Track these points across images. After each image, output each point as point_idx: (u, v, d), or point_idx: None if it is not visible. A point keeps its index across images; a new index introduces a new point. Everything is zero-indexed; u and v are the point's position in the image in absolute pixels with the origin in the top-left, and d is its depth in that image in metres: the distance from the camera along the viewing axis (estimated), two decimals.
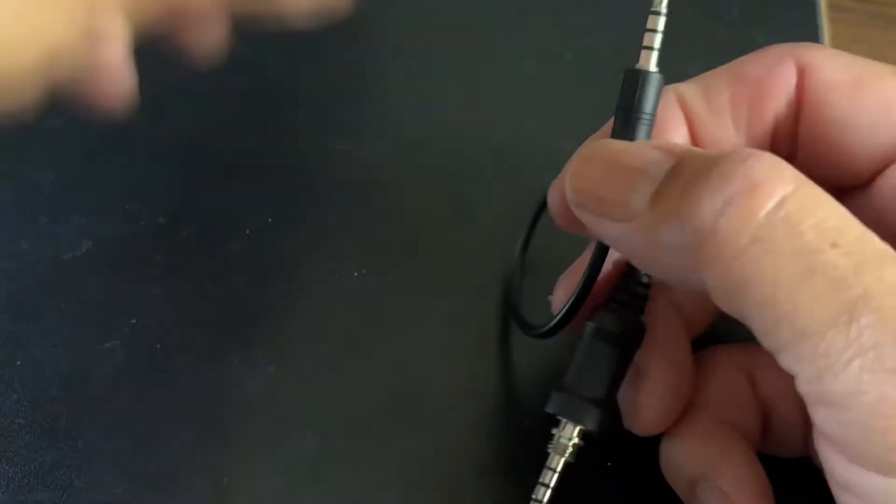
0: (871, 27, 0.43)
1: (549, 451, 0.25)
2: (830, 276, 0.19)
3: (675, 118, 0.26)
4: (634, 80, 0.24)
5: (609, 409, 0.25)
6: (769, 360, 0.22)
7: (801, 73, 0.25)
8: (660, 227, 0.21)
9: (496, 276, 0.32)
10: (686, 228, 0.21)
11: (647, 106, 0.24)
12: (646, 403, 0.26)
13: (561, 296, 0.28)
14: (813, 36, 0.39)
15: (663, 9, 0.24)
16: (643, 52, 0.24)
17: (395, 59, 0.37)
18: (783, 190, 0.20)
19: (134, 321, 0.30)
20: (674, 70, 0.39)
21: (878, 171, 0.25)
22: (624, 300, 0.26)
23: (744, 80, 0.26)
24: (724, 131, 0.26)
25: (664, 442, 0.27)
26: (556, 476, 0.25)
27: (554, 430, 0.26)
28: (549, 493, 0.25)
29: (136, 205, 0.32)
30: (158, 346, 0.30)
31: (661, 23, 0.24)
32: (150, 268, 0.31)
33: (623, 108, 0.24)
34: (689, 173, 0.21)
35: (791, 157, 0.26)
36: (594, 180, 0.23)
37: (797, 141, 0.26)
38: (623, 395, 0.26)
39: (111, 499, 0.27)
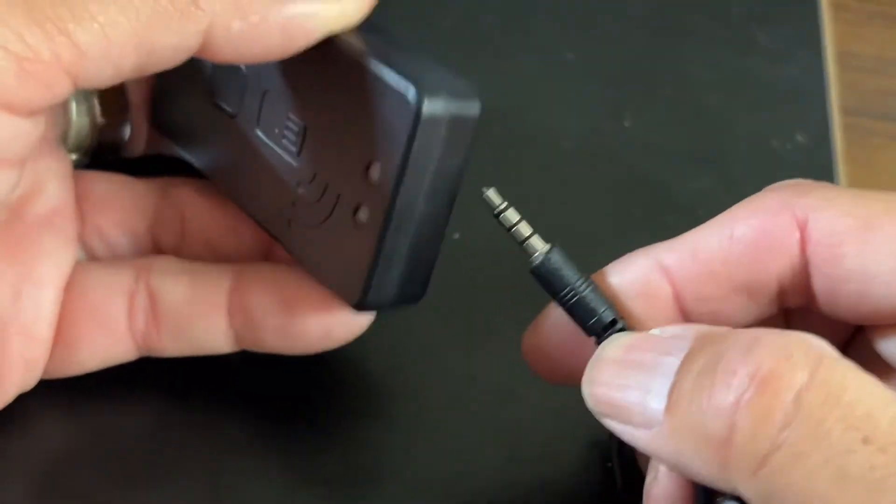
0: (872, 26, 0.43)
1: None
2: (867, 480, 0.18)
3: (657, 286, 0.24)
4: (544, 273, 0.23)
5: None
6: None
7: (803, 229, 0.23)
8: (677, 436, 0.20)
9: (495, 277, 0.32)
10: (701, 438, 0.19)
11: (570, 279, 0.23)
12: None
13: None
14: (814, 35, 0.39)
15: (503, 205, 0.24)
16: (526, 246, 0.24)
17: None
18: (798, 380, 0.18)
19: None
20: (673, 68, 0.39)
21: None
22: None
23: (738, 242, 0.24)
24: (722, 297, 0.24)
25: None
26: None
27: None
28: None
29: None
30: None
31: (513, 214, 0.24)
32: None
33: (559, 298, 0.23)
34: (697, 369, 0.20)
35: (809, 306, 0.24)
36: (610, 385, 0.21)
37: (812, 293, 0.24)
38: None
39: (109, 499, 0.27)
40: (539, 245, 0.24)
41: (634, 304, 0.24)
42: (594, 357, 0.22)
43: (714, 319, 0.24)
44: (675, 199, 0.35)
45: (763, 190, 0.25)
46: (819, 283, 0.23)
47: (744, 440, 0.19)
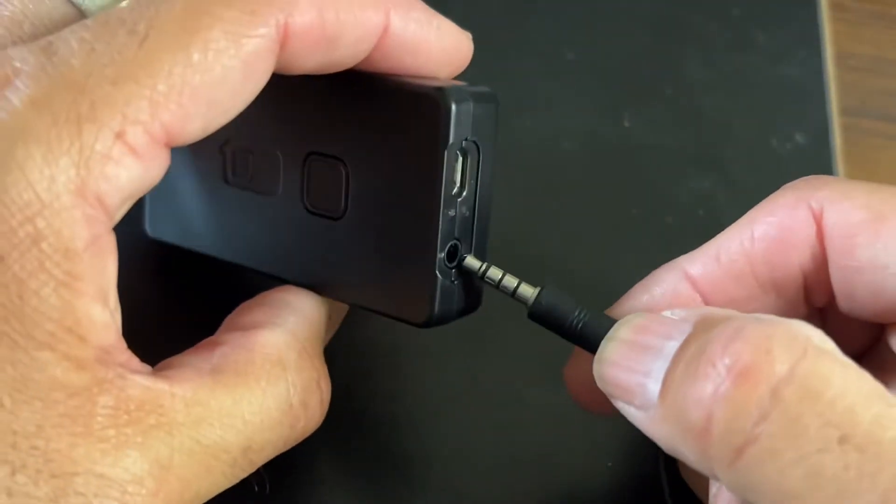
0: (872, 26, 0.43)
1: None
2: (840, 480, 0.18)
3: (686, 295, 0.24)
4: (541, 315, 0.24)
5: None
6: None
7: (819, 221, 0.23)
8: (667, 421, 0.20)
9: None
10: (685, 426, 0.19)
11: (568, 312, 0.23)
12: None
13: None
14: (814, 35, 0.39)
15: (482, 266, 0.24)
16: (517, 296, 0.24)
17: None
18: (777, 373, 0.18)
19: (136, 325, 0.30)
20: (673, 68, 0.39)
21: None
22: None
23: (759, 241, 0.24)
24: (750, 297, 0.24)
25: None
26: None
27: None
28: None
29: (137, 206, 0.32)
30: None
31: (495, 272, 0.24)
32: (152, 268, 0.31)
33: (565, 334, 0.24)
34: (689, 356, 0.20)
35: (832, 303, 0.24)
36: (618, 366, 0.21)
37: (832, 288, 0.24)
38: None
39: None
40: (529, 291, 0.24)
41: None
42: (606, 336, 0.22)
43: None
44: (675, 199, 0.35)
45: (780, 188, 0.25)
46: (836, 276, 0.23)
47: (720, 432, 0.19)
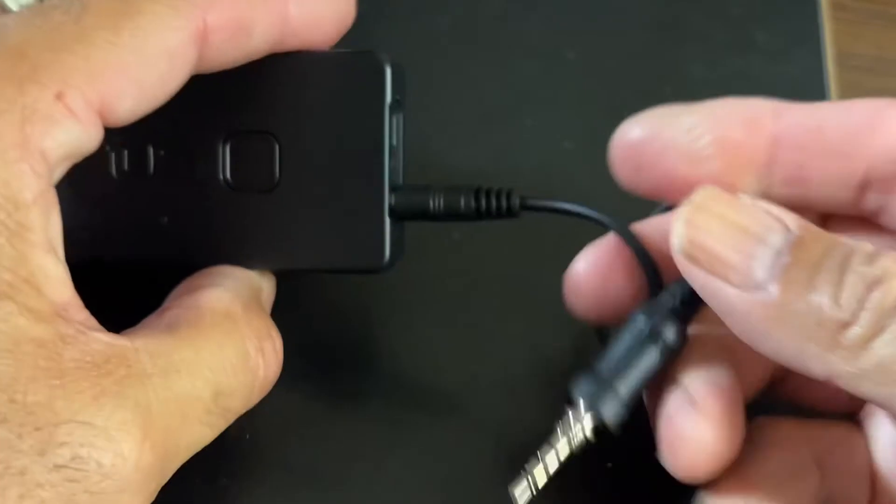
0: (872, 26, 0.43)
1: (557, 430, 0.24)
2: None
3: (762, 122, 0.25)
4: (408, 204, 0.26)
5: (630, 409, 0.25)
6: (847, 445, 0.23)
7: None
8: (789, 308, 0.21)
9: (495, 277, 0.32)
10: (815, 321, 0.21)
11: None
12: (696, 437, 0.24)
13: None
14: (814, 35, 0.39)
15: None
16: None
17: None
18: None
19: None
20: (673, 68, 0.39)
21: None
22: (673, 305, 0.25)
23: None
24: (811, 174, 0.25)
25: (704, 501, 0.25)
26: (555, 457, 0.24)
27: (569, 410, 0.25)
28: (543, 472, 0.24)
29: None
30: None
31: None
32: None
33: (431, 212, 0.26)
34: (815, 261, 0.21)
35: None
36: (711, 234, 0.22)
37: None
38: (667, 423, 0.24)
39: None
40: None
41: (727, 131, 0.25)
42: (689, 202, 0.23)
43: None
44: None
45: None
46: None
47: (867, 323, 0.20)
